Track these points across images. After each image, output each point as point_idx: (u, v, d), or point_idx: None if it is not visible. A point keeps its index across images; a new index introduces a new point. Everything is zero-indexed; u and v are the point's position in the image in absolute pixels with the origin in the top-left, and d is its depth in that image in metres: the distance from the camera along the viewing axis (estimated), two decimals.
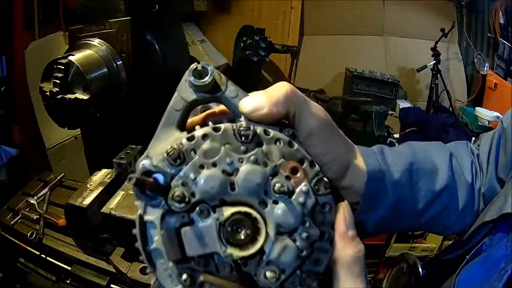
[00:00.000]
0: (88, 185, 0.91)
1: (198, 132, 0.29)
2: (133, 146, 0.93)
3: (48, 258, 0.99)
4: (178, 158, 0.28)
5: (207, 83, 0.30)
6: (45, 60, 0.98)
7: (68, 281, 0.95)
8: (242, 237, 0.27)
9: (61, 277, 0.97)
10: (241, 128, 0.28)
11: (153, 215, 0.28)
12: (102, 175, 0.95)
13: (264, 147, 0.28)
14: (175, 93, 0.32)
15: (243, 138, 0.28)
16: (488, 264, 0.46)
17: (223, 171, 0.27)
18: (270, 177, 0.28)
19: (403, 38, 3.24)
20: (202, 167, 0.27)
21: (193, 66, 0.30)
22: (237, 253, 0.27)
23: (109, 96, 1.03)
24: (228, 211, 0.27)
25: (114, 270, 0.86)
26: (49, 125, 1.59)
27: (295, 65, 2.99)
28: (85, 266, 0.92)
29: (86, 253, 0.92)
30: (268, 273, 0.27)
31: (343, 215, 0.31)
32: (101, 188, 0.90)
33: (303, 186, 0.28)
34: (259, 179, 0.27)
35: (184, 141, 0.28)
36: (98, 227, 0.87)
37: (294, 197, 0.28)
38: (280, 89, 0.32)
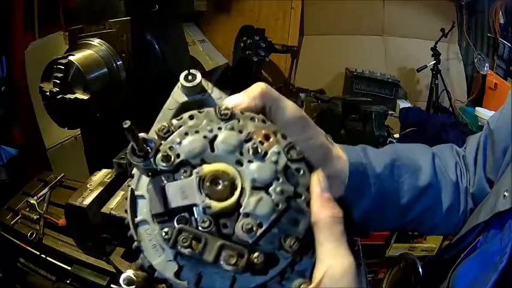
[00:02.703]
0: (88, 185, 0.91)
1: (186, 114, 0.33)
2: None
3: (48, 258, 0.99)
4: (167, 132, 0.32)
5: (195, 84, 0.36)
6: (45, 60, 0.98)
7: (68, 281, 0.95)
8: (220, 188, 0.29)
9: (61, 277, 0.97)
10: (221, 109, 0.33)
11: (143, 189, 0.31)
12: (102, 175, 0.95)
13: (241, 121, 0.32)
14: (170, 97, 0.38)
15: (222, 116, 0.32)
16: (483, 259, 0.47)
17: (205, 137, 0.31)
18: (245, 142, 0.31)
19: (403, 38, 3.24)
20: (186, 134, 0.31)
21: (184, 72, 0.36)
22: (215, 204, 0.29)
23: (109, 96, 1.03)
24: (207, 168, 0.30)
25: (114, 270, 0.86)
26: (49, 125, 1.59)
27: (295, 65, 2.99)
28: (85, 266, 0.92)
29: (86, 253, 0.92)
30: (245, 225, 0.28)
31: (317, 179, 0.32)
32: (101, 188, 0.89)
33: (275, 148, 0.31)
34: (235, 141, 0.31)
35: (174, 120, 0.33)
36: (98, 227, 0.86)
37: (267, 157, 0.31)
38: (256, 87, 0.36)
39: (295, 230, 0.30)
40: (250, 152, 0.31)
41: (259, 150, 0.30)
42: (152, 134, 0.33)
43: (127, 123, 0.28)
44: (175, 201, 0.29)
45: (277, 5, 3.06)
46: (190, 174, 0.30)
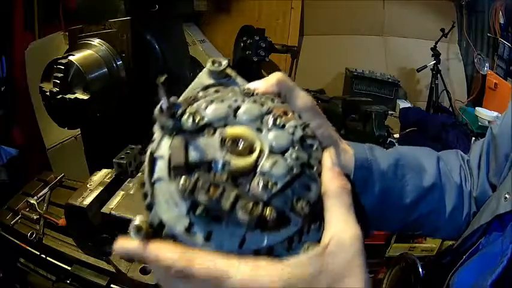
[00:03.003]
0: (88, 185, 0.91)
1: (211, 88, 0.37)
2: (133, 146, 0.93)
3: (48, 258, 0.99)
4: (194, 100, 0.34)
5: (221, 69, 0.39)
6: (45, 60, 0.98)
7: (68, 281, 0.95)
8: (240, 149, 0.31)
9: (61, 277, 0.97)
10: (245, 88, 0.36)
11: (163, 150, 0.32)
12: (102, 175, 0.95)
13: (262, 99, 0.35)
14: (196, 79, 0.40)
15: (245, 92, 0.36)
16: (485, 260, 0.47)
17: (229, 106, 0.33)
18: (266, 114, 0.34)
19: (403, 38, 3.24)
20: (212, 101, 0.33)
21: (211, 58, 0.39)
22: (235, 161, 0.30)
23: (109, 96, 1.03)
24: (230, 130, 0.32)
25: (114, 270, 0.86)
26: (49, 125, 1.59)
27: (295, 65, 2.98)
28: (85, 266, 0.92)
29: (86, 253, 0.92)
30: (261, 182, 0.30)
31: (329, 154, 0.35)
32: (101, 188, 0.90)
33: (292, 122, 0.34)
34: (256, 112, 0.33)
35: (200, 93, 0.36)
36: (98, 227, 0.87)
37: (285, 128, 0.33)
38: (273, 76, 0.39)
39: (307, 194, 0.32)
40: (270, 122, 0.33)
41: (278, 122, 0.33)
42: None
43: (162, 79, 0.30)
44: (196, 156, 0.30)
45: (277, 5, 3.05)
46: (213, 136, 0.32)
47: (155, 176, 0.31)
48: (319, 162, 0.34)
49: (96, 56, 1.00)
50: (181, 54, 1.28)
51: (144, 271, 0.82)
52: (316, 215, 0.32)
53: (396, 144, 2.32)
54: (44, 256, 0.99)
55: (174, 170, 0.30)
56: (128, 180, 0.93)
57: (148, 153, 0.33)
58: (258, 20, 3.01)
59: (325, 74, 3.18)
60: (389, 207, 0.52)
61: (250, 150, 0.31)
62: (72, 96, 0.94)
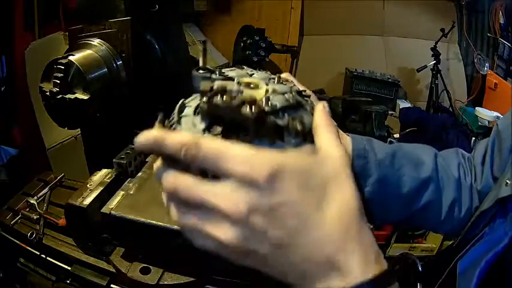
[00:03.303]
0: (88, 185, 0.91)
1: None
2: (133, 146, 0.93)
3: (48, 258, 0.99)
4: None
5: None
6: (45, 60, 0.98)
7: (68, 281, 0.95)
8: (251, 86, 0.40)
9: (61, 277, 0.97)
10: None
11: (190, 102, 0.42)
12: (102, 175, 0.95)
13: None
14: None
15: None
16: (488, 245, 0.49)
17: (246, 72, 0.45)
18: (272, 78, 0.44)
19: (403, 38, 3.24)
20: (233, 70, 0.44)
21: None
22: (246, 90, 0.38)
23: (109, 96, 1.03)
24: (245, 78, 0.42)
25: (114, 270, 0.86)
26: (49, 125, 1.59)
27: (295, 65, 2.99)
28: (85, 266, 0.92)
29: (86, 253, 0.92)
30: (263, 100, 0.37)
31: (322, 104, 0.41)
32: (101, 188, 0.89)
33: (291, 84, 0.44)
34: (265, 76, 0.44)
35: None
36: (98, 227, 0.87)
37: (286, 84, 0.42)
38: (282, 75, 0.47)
39: (302, 117, 0.38)
40: (275, 80, 0.43)
41: (281, 81, 0.43)
42: None
43: (206, 42, 0.44)
44: (217, 80, 0.40)
45: (277, 5, 3.06)
46: (233, 81, 0.40)
47: (183, 113, 0.40)
48: (312, 109, 0.41)
49: (96, 56, 1.00)
50: (181, 54, 1.28)
51: (144, 271, 0.82)
52: (307, 142, 0.38)
53: None
54: (44, 256, 0.99)
55: (201, 95, 0.38)
56: (128, 180, 0.93)
57: (180, 103, 0.41)
58: (258, 20, 3.02)
59: (325, 74, 3.18)
60: (388, 197, 0.54)
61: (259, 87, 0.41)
62: (72, 96, 0.94)
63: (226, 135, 0.36)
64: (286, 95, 0.39)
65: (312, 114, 0.40)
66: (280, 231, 0.32)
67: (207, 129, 0.37)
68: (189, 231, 0.35)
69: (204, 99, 0.37)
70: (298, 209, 0.32)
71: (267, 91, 0.39)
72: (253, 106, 0.35)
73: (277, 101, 0.37)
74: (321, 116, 0.39)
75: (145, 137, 0.35)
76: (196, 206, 0.34)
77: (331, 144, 0.37)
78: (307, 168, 0.34)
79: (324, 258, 0.33)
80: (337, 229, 0.33)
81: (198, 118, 0.38)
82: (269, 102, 0.36)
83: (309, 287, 0.34)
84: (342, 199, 0.34)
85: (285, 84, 0.42)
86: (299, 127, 0.36)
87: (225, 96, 0.36)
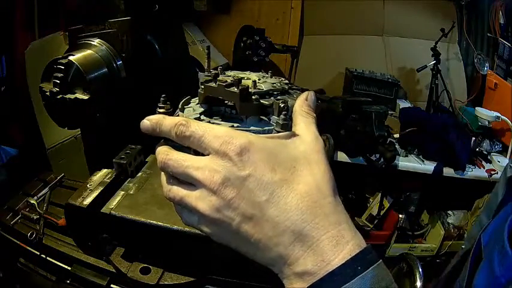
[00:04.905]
0: (88, 185, 0.91)
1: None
2: (133, 146, 0.93)
3: (48, 258, 0.99)
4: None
5: None
6: (45, 60, 0.98)
7: (68, 281, 0.95)
8: (245, 78, 0.48)
9: (61, 277, 0.97)
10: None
11: (193, 103, 0.50)
12: (102, 175, 0.95)
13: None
14: None
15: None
16: (503, 218, 0.56)
17: (245, 73, 0.52)
18: (264, 76, 0.52)
19: (403, 38, 3.24)
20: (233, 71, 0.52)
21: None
22: (239, 79, 0.44)
23: (109, 97, 1.03)
24: (240, 74, 0.50)
25: (114, 270, 0.86)
26: (49, 125, 1.59)
27: (295, 65, 2.98)
28: (85, 266, 0.92)
29: (86, 253, 0.92)
30: (251, 84, 0.44)
31: (306, 94, 0.45)
32: (101, 188, 0.90)
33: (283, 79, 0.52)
34: (259, 74, 0.51)
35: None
36: (98, 227, 0.86)
37: (276, 78, 0.51)
38: None
39: (286, 101, 0.44)
40: (268, 76, 0.50)
41: (272, 76, 0.50)
42: None
43: (209, 47, 0.55)
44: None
45: (277, 5, 3.05)
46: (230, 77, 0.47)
47: (188, 106, 0.47)
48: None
49: (96, 56, 1.00)
50: (181, 54, 1.28)
51: (144, 271, 0.82)
52: (287, 127, 0.43)
53: (396, 144, 2.32)
54: (44, 256, 0.99)
55: (200, 84, 0.45)
56: (128, 180, 0.93)
57: (186, 98, 0.48)
58: (258, 20, 3.01)
59: (325, 74, 3.18)
60: None
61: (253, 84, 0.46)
62: (72, 96, 0.94)
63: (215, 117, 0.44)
64: (273, 84, 0.46)
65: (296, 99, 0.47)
66: (249, 202, 0.35)
67: (204, 114, 0.44)
68: (178, 207, 0.40)
69: (202, 86, 0.44)
70: (265, 182, 0.35)
71: (256, 80, 0.46)
72: (239, 85, 0.41)
73: (264, 86, 0.45)
74: (300, 104, 0.43)
75: (148, 119, 0.41)
76: (184, 181, 0.38)
77: (305, 129, 0.41)
78: (277, 147, 0.38)
79: (290, 231, 0.35)
80: (304, 204, 0.35)
81: (198, 106, 0.46)
82: (256, 86, 0.44)
83: (281, 269, 0.36)
84: (310, 177, 0.37)
85: (277, 79, 0.49)
86: (282, 105, 0.42)
87: (218, 80, 0.43)
